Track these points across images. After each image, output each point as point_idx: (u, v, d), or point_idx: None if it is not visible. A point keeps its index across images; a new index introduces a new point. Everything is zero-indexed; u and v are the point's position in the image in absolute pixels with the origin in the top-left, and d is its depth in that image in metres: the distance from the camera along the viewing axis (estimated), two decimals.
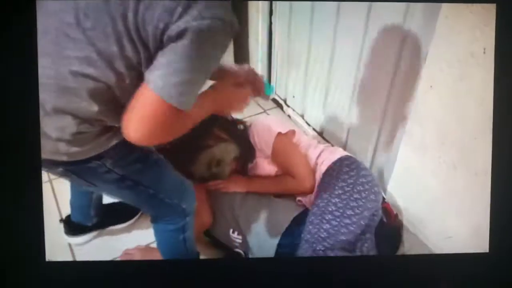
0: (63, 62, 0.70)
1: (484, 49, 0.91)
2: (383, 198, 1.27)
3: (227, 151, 1.20)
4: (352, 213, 1.07)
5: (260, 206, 1.19)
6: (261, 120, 1.29)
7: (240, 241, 1.19)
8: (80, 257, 1.22)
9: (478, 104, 0.96)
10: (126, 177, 0.85)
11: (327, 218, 1.06)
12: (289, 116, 1.83)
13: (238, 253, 1.20)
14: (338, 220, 1.05)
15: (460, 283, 0.86)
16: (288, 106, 1.85)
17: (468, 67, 0.96)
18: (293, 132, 1.29)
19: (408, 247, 1.27)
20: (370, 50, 1.30)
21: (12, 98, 0.80)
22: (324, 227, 1.05)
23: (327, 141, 1.63)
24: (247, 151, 1.25)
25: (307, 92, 1.70)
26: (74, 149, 0.75)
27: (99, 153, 0.79)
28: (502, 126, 0.88)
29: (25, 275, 0.85)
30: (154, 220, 1.02)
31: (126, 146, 0.79)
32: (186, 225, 1.01)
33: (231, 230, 1.19)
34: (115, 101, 0.74)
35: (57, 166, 0.80)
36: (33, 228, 0.83)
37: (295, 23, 1.61)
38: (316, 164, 1.24)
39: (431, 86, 1.08)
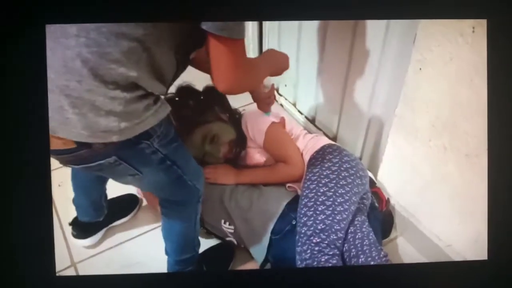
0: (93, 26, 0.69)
1: (473, 28, 0.90)
2: (374, 183, 1.27)
3: (225, 130, 1.21)
4: (342, 199, 1.07)
5: (250, 195, 1.19)
6: (253, 110, 1.30)
7: (232, 231, 1.18)
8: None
9: (468, 84, 0.95)
10: (167, 156, 0.85)
11: (320, 209, 1.06)
12: (281, 105, 1.82)
13: (231, 242, 1.20)
14: (331, 209, 1.05)
15: None
16: (280, 95, 1.84)
17: (457, 47, 0.95)
18: (284, 121, 1.31)
19: (400, 231, 1.27)
20: (359, 35, 1.29)
21: (20, 102, 0.78)
22: (320, 218, 1.04)
23: (319, 129, 1.62)
24: (242, 137, 1.26)
25: (298, 80, 1.69)
26: (124, 124, 0.73)
27: (147, 131, 0.78)
28: (495, 108, 0.86)
29: None
30: (168, 205, 1.01)
31: (168, 123, 0.83)
32: (199, 208, 1.02)
33: (222, 221, 1.19)
34: (154, 67, 0.75)
35: (109, 155, 0.78)
36: (42, 242, 0.80)
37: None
38: (302, 153, 1.26)
39: (420, 68, 1.07)
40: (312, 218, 1.04)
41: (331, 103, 1.53)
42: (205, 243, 1.21)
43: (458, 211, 1.08)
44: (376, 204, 1.21)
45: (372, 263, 0.99)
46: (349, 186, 1.10)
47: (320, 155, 1.20)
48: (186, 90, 1.21)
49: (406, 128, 1.17)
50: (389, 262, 1.00)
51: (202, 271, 1.13)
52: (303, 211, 1.08)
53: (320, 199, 1.07)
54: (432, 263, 0.94)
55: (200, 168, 1.00)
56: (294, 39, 1.59)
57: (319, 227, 1.02)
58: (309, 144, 1.27)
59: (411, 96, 1.12)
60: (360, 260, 1.00)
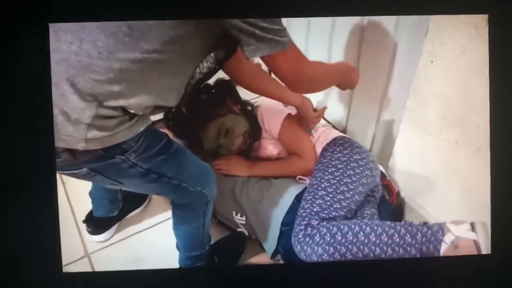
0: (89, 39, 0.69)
1: (487, 20, 0.89)
2: (384, 176, 1.27)
3: (238, 122, 1.22)
4: (346, 188, 1.07)
5: (261, 187, 1.20)
6: (269, 102, 1.30)
7: (244, 222, 1.19)
8: (98, 268, 1.22)
9: (480, 77, 0.94)
10: (151, 170, 0.84)
11: (320, 194, 1.06)
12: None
13: (241, 233, 1.22)
14: (331, 195, 1.05)
15: (462, 285, 0.86)
16: None
17: (470, 39, 0.94)
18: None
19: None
20: (369, 25, 1.28)
21: (24, 100, 0.77)
22: (317, 202, 1.05)
23: (329, 122, 1.62)
24: (256, 128, 1.27)
25: None
26: (91, 134, 0.72)
27: (121, 146, 0.77)
28: (500, 100, 0.86)
29: None
30: (177, 206, 1.01)
31: (148, 137, 0.80)
32: (207, 210, 1.02)
33: (234, 213, 1.20)
34: (148, 89, 0.73)
35: (80, 166, 0.77)
36: (49, 237, 0.80)
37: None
38: (314, 146, 1.27)
39: (432, 61, 1.06)
40: (310, 202, 1.05)
41: (341, 96, 1.52)
42: (216, 234, 1.23)
43: (467, 204, 1.08)
44: (387, 197, 1.22)
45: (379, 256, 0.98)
46: (357, 176, 1.10)
47: (331, 147, 1.21)
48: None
49: (416, 121, 1.17)
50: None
51: (212, 267, 1.14)
52: (304, 196, 1.09)
53: (323, 185, 1.08)
54: (435, 257, 0.93)
55: (208, 172, 0.99)
56: (303, 31, 1.58)
57: (314, 210, 1.03)
58: (321, 136, 1.28)
59: (422, 89, 1.12)
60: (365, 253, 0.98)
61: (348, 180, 1.09)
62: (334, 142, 1.23)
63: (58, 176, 0.81)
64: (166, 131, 1.25)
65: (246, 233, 1.21)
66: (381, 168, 1.26)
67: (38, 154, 0.76)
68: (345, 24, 1.38)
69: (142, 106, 0.75)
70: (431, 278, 0.87)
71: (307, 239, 0.98)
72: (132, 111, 0.75)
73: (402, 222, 0.98)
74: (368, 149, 1.42)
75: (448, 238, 0.89)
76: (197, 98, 1.18)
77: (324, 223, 1.00)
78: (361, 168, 1.13)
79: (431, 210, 1.21)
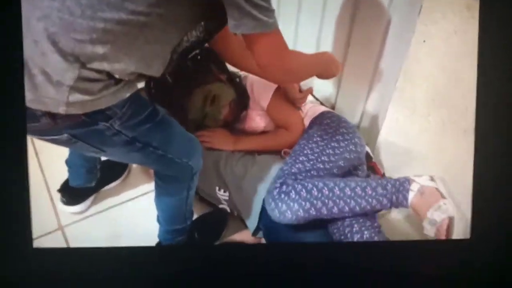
0: None
1: (479, 2, 0.88)
2: (370, 157, 1.26)
3: (224, 90, 1.19)
4: (327, 159, 1.07)
5: (245, 163, 1.18)
6: None
7: (226, 198, 1.17)
8: (73, 242, 1.17)
9: (471, 59, 0.93)
10: (136, 138, 0.81)
11: (300, 159, 1.07)
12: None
13: (224, 209, 1.19)
14: (311, 162, 1.06)
15: (442, 269, 0.86)
16: None
17: (462, 20, 0.93)
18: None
19: None
20: (362, 3, 1.25)
21: None
22: (297, 166, 1.05)
23: (317, 99, 1.60)
24: (243, 97, 1.24)
25: (297, 49, 1.64)
26: (73, 97, 0.68)
27: (105, 112, 0.73)
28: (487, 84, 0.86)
29: (7, 266, 0.77)
30: (161, 178, 0.99)
31: (134, 104, 0.77)
32: (192, 184, 0.99)
33: (217, 188, 1.18)
34: (133, 54, 0.70)
35: (60, 132, 0.74)
36: (18, 210, 0.75)
37: None
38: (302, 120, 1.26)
39: (424, 41, 1.05)
40: (289, 164, 1.06)
41: None
42: (198, 210, 1.20)
43: (452, 186, 1.08)
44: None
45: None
46: (340, 149, 1.10)
47: (318, 120, 1.21)
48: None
49: (405, 101, 1.16)
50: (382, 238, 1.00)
51: (191, 244, 1.12)
52: (285, 161, 1.10)
53: (305, 152, 1.09)
54: (414, 241, 0.97)
55: (194, 143, 0.96)
56: (295, 6, 1.54)
57: (292, 171, 1.04)
58: (309, 111, 1.27)
59: (413, 69, 1.11)
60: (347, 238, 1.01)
61: (331, 152, 1.09)
62: (321, 115, 1.23)
63: (31, 145, 0.76)
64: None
65: (228, 210, 1.19)
66: (367, 149, 1.26)
67: (7, 115, 0.71)
68: (336, 3, 1.35)
69: (126, 72, 0.72)
70: (409, 261, 0.87)
71: (282, 195, 0.99)
72: (117, 76, 0.71)
73: (372, 177, 1.05)
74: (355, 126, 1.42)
75: (414, 187, 0.98)
76: (182, 65, 1.13)
77: (298, 181, 1.01)
78: (345, 142, 1.12)
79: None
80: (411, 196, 0.98)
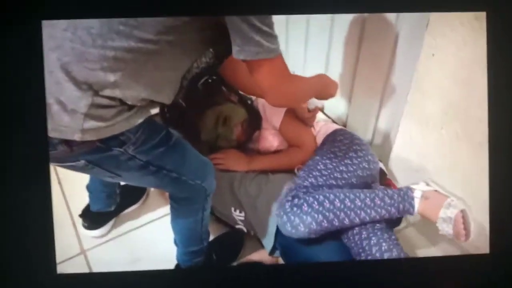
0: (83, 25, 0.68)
1: (486, 17, 0.87)
2: (385, 174, 1.25)
3: (235, 111, 1.21)
4: (340, 176, 1.08)
5: (259, 182, 1.19)
6: None
7: (242, 218, 1.18)
8: (95, 265, 1.20)
9: (482, 70, 0.92)
10: (150, 162, 0.82)
11: (314, 174, 1.07)
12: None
13: (240, 229, 1.20)
14: (324, 178, 1.07)
15: (461, 285, 0.87)
16: None
17: (472, 31, 0.92)
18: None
19: (412, 221, 1.26)
20: (370, 17, 1.26)
21: (18, 96, 0.76)
22: (309, 180, 1.06)
23: (328, 117, 1.61)
24: (255, 118, 1.26)
25: (307, 66, 1.66)
26: (88, 124, 0.70)
27: (119, 138, 0.75)
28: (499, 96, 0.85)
29: None
30: (175, 200, 1.00)
31: (147, 129, 0.79)
32: (206, 205, 1.00)
33: (232, 209, 1.19)
34: (143, 80, 0.72)
35: (77, 158, 0.76)
36: (42, 236, 0.78)
37: None
38: (315, 138, 1.27)
39: (433, 54, 1.04)
40: (302, 178, 1.07)
41: (341, 90, 1.49)
42: (215, 231, 1.21)
43: (468, 199, 1.06)
44: None
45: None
46: (353, 167, 1.10)
47: (331, 137, 1.22)
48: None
49: (417, 115, 1.15)
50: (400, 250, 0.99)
51: (209, 265, 1.12)
52: (298, 174, 1.11)
53: (318, 167, 1.09)
54: (434, 257, 0.96)
55: (207, 165, 0.98)
56: (303, 23, 1.56)
57: (304, 184, 1.05)
58: (322, 129, 1.28)
59: (423, 83, 1.10)
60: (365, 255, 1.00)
61: (344, 169, 1.09)
62: (335, 133, 1.24)
63: (53, 173, 0.79)
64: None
65: (245, 230, 1.20)
66: (381, 165, 1.25)
67: (31, 146, 0.75)
68: (345, 17, 1.36)
69: (137, 98, 0.74)
70: (429, 277, 0.87)
71: (295, 209, 0.99)
72: (129, 103, 0.74)
73: (378, 188, 1.07)
74: (368, 143, 1.41)
75: (417, 194, 1.02)
76: (194, 88, 1.16)
77: (309, 194, 1.02)
78: (359, 159, 1.13)
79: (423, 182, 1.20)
80: (416, 202, 1.01)
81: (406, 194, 1.02)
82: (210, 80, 1.18)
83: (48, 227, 0.79)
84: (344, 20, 1.36)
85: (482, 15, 0.88)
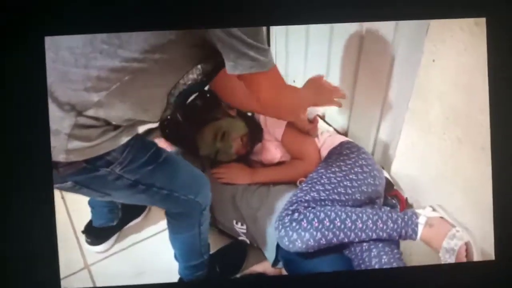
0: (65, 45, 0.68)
1: (485, 23, 0.87)
2: (392, 185, 1.24)
3: (234, 126, 1.20)
4: (343, 191, 1.06)
5: (260, 194, 1.18)
6: None
7: (244, 230, 1.18)
8: (98, 280, 1.20)
9: (483, 75, 0.91)
10: (138, 181, 0.82)
11: (316, 188, 1.05)
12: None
13: (243, 241, 1.20)
14: (327, 192, 1.04)
15: None
16: None
17: (472, 36, 0.92)
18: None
19: None
20: (369, 24, 1.26)
21: (22, 112, 0.76)
22: (312, 194, 1.04)
23: (329, 124, 1.60)
24: (255, 131, 1.25)
25: (307, 76, 1.66)
26: (72, 145, 0.70)
27: (105, 158, 0.74)
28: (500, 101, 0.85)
29: None
30: (170, 215, 1.00)
31: (134, 148, 0.78)
32: (202, 218, 0.99)
33: (234, 221, 1.18)
34: (128, 99, 0.72)
35: (64, 180, 0.76)
36: (45, 252, 0.78)
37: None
38: (320, 150, 1.26)
39: (433, 60, 1.04)
40: (305, 192, 1.05)
41: (342, 99, 1.50)
42: (218, 243, 1.21)
43: (472, 205, 1.05)
44: (398, 207, 1.20)
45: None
46: (358, 182, 1.09)
47: (337, 150, 1.20)
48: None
49: (419, 121, 1.14)
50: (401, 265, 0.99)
51: (212, 278, 1.12)
52: (300, 186, 1.09)
53: (322, 181, 1.07)
54: (439, 264, 0.95)
55: (201, 179, 0.97)
56: (303, 32, 1.57)
57: (306, 198, 1.02)
58: (327, 141, 1.26)
59: (424, 89, 1.09)
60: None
61: (348, 184, 1.07)
62: (341, 145, 1.22)
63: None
64: (162, 140, 1.24)
65: (248, 241, 1.19)
66: (387, 175, 1.24)
67: (35, 162, 0.75)
68: (345, 25, 1.36)
69: (122, 118, 0.73)
70: (434, 285, 0.86)
71: (294, 224, 0.98)
72: (114, 123, 0.73)
73: (383, 209, 1.04)
74: (370, 151, 1.40)
75: (422, 220, 0.99)
76: (192, 104, 1.17)
77: (310, 209, 1.00)
78: (364, 175, 1.11)
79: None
80: (420, 229, 0.98)
81: (410, 219, 0.99)
82: (208, 94, 1.19)
83: (52, 242, 0.79)
84: (343, 28, 1.36)
85: (482, 20, 0.88)
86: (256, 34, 0.70)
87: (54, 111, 0.69)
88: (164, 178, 0.87)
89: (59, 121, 0.69)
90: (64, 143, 0.70)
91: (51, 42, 0.68)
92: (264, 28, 0.73)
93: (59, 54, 0.67)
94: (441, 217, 0.99)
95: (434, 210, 1.02)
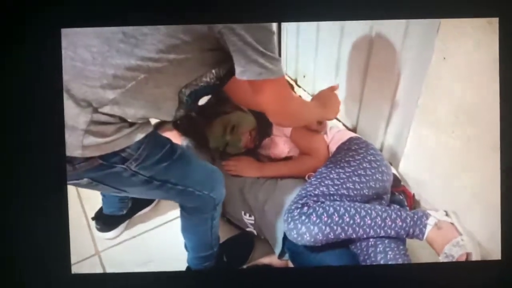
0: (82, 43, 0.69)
1: (498, 23, 0.86)
2: (399, 181, 1.25)
3: (244, 119, 1.22)
4: (352, 186, 1.07)
5: (268, 188, 1.20)
6: None
7: (252, 222, 1.19)
8: (108, 266, 1.22)
9: (493, 73, 0.91)
10: (154, 177, 0.83)
11: (325, 182, 1.06)
12: (300, 96, 1.80)
13: (250, 232, 1.22)
14: (336, 187, 1.05)
15: None
16: (299, 86, 1.82)
17: (484, 34, 0.92)
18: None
19: None
20: (379, 23, 1.26)
21: (37, 111, 0.78)
22: (321, 188, 1.05)
23: (339, 120, 1.60)
24: (264, 125, 1.26)
25: (317, 72, 1.67)
26: (88, 141, 0.71)
27: (121, 155, 0.76)
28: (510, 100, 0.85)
29: None
30: (184, 209, 1.01)
31: (149, 145, 0.79)
32: (215, 214, 1.01)
33: (242, 213, 1.20)
34: (142, 97, 0.73)
35: (80, 176, 0.77)
36: (57, 237, 0.81)
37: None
38: (328, 145, 1.26)
39: (444, 58, 1.04)
40: (314, 186, 1.05)
41: (351, 93, 1.50)
42: (226, 233, 1.22)
43: (480, 203, 1.05)
44: (405, 203, 1.20)
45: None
46: (366, 177, 1.09)
47: (346, 145, 1.20)
48: None
49: (428, 119, 1.14)
50: (407, 261, 0.99)
51: (220, 268, 1.13)
52: (309, 180, 1.10)
53: (331, 176, 1.08)
54: (445, 262, 0.95)
55: (215, 175, 0.98)
56: (313, 29, 1.57)
57: (315, 192, 1.03)
58: (335, 136, 1.26)
59: (434, 87, 1.09)
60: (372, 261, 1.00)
61: (357, 180, 1.08)
62: (349, 141, 1.22)
63: None
64: (174, 132, 1.26)
65: (255, 233, 1.21)
66: (395, 171, 1.24)
67: (48, 151, 0.77)
68: (355, 22, 1.36)
69: (136, 116, 0.75)
70: (440, 283, 0.86)
71: (303, 217, 0.99)
72: (129, 120, 0.74)
73: (392, 207, 1.06)
74: (378, 148, 1.40)
75: (431, 221, 1.00)
76: (206, 104, 1.19)
77: (319, 203, 1.01)
78: (372, 170, 1.11)
79: (443, 209, 1.19)
80: (428, 229, 0.99)
81: (420, 219, 1.00)
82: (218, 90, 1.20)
83: (64, 229, 0.81)
84: (354, 25, 1.36)
85: (495, 19, 0.88)
86: (268, 43, 0.71)
87: (70, 107, 0.70)
88: (179, 174, 0.88)
89: (75, 117, 0.70)
90: (79, 138, 0.71)
91: (69, 41, 0.70)
92: (276, 38, 0.75)
93: (77, 52, 0.69)
94: (452, 223, 1.00)
95: (447, 214, 1.03)
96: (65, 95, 0.70)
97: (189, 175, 0.90)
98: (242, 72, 0.72)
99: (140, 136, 0.77)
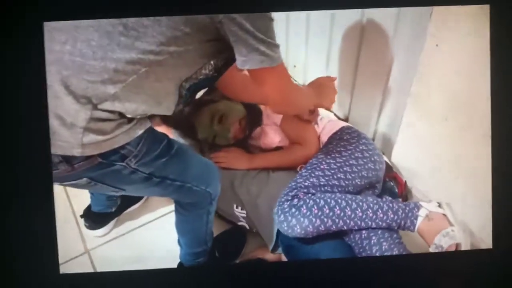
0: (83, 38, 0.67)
1: (489, 10, 0.85)
2: (391, 168, 1.24)
3: (232, 108, 1.19)
4: (343, 177, 1.06)
5: (260, 180, 1.18)
6: None
7: (244, 215, 1.18)
8: (98, 264, 1.20)
9: (487, 61, 0.90)
10: (153, 174, 0.82)
11: (316, 173, 1.05)
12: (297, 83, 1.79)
13: (242, 226, 1.20)
14: (326, 178, 1.04)
15: (464, 280, 0.87)
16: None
17: (476, 20, 0.90)
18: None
19: None
20: (370, 11, 1.24)
21: (21, 105, 0.76)
22: (311, 180, 1.04)
23: (330, 110, 1.59)
24: (254, 114, 1.24)
25: (308, 61, 1.64)
26: (88, 138, 0.69)
27: (120, 152, 0.74)
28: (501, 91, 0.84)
29: None
30: (180, 205, 1.00)
31: (148, 141, 0.78)
32: (211, 209, 1.00)
33: (234, 206, 1.18)
34: (142, 91, 0.72)
35: (79, 176, 0.75)
36: (44, 237, 0.79)
37: None
38: (319, 136, 1.25)
39: (437, 45, 1.02)
40: (304, 177, 1.05)
41: (342, 82, 1.48)
42: (217, 228, 1.20)
43: (472, 192, 1.05)
44: (396, 190, 1.19)
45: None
46: (358, 167, 1.08)
47: (338, 135, 1.19)
48: None
49: (421, 107, 1.14)
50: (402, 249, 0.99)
51: (212, 264, 1.13)
52: (300, 172, 1.09)
53: (322, 167, 1.07)
54: (437, 252, 0.96)
55: (212, 169, 0.97)
56: (304, 18, 1.54)
57: (305, 184, 1.03)
58: (326, 126, 1.25)
59: (427, 74, 1.08)
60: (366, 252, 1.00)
61: (348, 170, 1.07)
62: (341, 131, 1.21)
63: None
64: (163, 126, 1.23)
65: (247, 227, 1.19)
66: (386, 159, 1.23)
67: (33, 151, 0.75)
68: (346, 11, 1.34)
69: (137, 111, 0.73)
70: (432, 273, 0.87)
71: (293, 209, 0.98)
72: (129, 116, 0.73)
73: (384, 199, 1.05)
74: (371, 137, 1.40)
75: (422, 212, 0.99)
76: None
77: (310, 195, 1.00)
78: (364, 160, 1.10)
79: (435, 198, 1.19)
80: (419, 221, 0.99)
81: (411, 211, 1.00)
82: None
83: (51, 228, 0.80)
84: (345, 14, 1.34)
85: (486, 6, 0.86)
86: (267, 30, 0.71)
87: (70, 104, 0.68)
88: (177, 170, 0.87)
89: (74, 114, 0.68)
90: (79, 136, 0.69)
91: (67, 35, 0.67)
92: (274, 25, 0.74)
93: (76, 47, 0.67)
94: (444, 214, 0.99)
95: (440, 206, 1.02)
96: (64, 92, 0.68)
97: (186, 170, 0.90)
98: (244, 62, 0.72)
99: (139, 132, 0.76)
